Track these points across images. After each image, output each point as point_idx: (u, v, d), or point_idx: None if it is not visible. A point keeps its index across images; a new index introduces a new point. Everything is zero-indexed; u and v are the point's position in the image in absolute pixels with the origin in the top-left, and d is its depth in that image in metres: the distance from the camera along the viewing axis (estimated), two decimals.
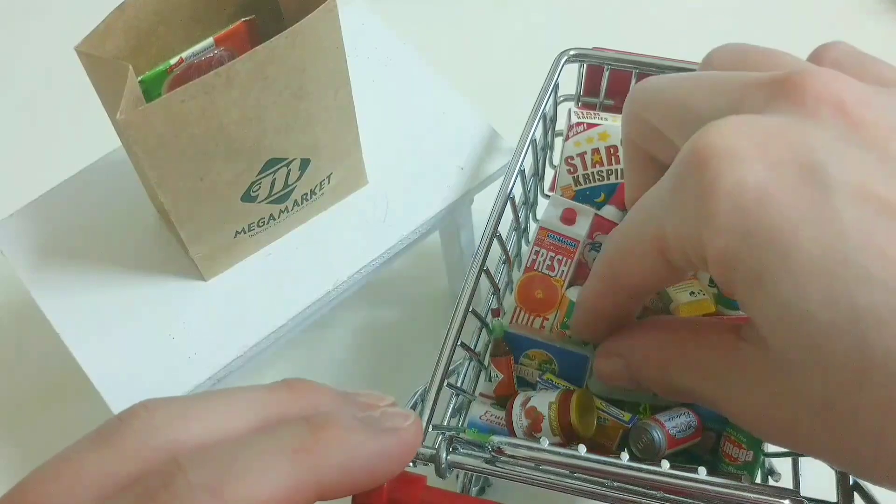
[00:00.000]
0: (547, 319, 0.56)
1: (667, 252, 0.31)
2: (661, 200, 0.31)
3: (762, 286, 0.26)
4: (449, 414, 0.55)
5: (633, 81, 0.66)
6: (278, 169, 0.65)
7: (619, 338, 0.39)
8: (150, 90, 0.60)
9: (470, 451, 0.44)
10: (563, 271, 0.56)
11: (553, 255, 0.56)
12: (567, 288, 0.58)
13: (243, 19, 0.63)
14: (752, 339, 0.30)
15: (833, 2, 1.14)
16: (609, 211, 0.62)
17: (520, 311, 0.57)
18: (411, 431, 0.23)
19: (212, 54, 0.62)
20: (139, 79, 0.59)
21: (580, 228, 0.57)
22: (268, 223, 0.70)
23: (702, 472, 0.39)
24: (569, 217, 0.57)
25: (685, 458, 0.51)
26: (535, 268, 0.57)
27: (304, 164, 0.67)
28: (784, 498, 0.38)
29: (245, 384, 0.87)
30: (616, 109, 0.69)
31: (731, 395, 0.32)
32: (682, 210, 0.29)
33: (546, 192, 0.73)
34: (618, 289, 0.37)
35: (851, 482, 0.40)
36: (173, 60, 0.60)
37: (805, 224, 0.25)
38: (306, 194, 0.71)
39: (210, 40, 0.62)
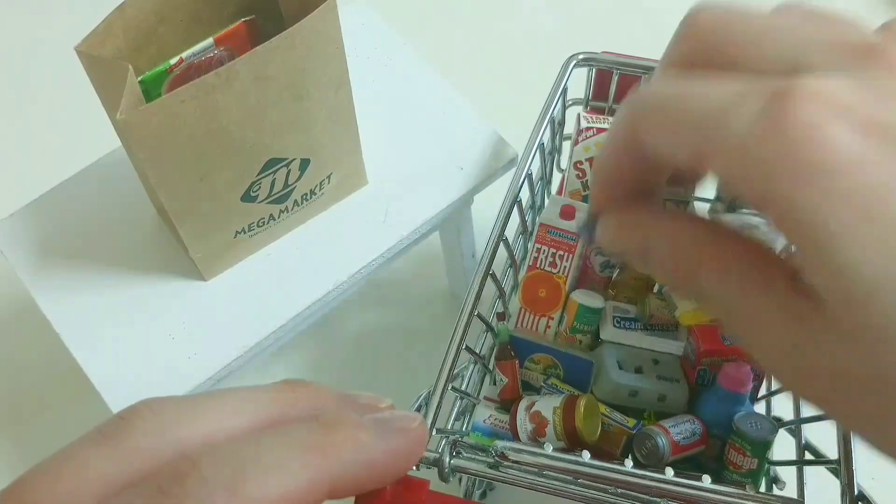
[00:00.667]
0: (552, 319, 0.56)
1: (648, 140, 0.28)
2: (707, 100, 0.27)
3: (838, 247, 0.25)
4: (453, 417, 0.55)
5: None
6: (278, 169, 0.65)
7: (649, 213, 0.33)
8: (150, 90, 0.60)
9: (473, 456, 0.43)
10: (565, 267, 0.56)
11: (554, 251, 0.56)
12: (572, 291, 0.58)
13: (243, 19, 0.63)
14: (806, 293, 0.27)
15: (835, 2, 1.14)
16: None
17: (525, 313, 0.57)
18: (419, 433, 0.23)
19: (212, 54, 0.62)
20: (139, 79, 0.58)
21: (580, 223, 0.57)
22: (268, 223, 0.70)
23: (706, 480, 0.38)
24: (567, 212, 0.57)
25: (689, 465, 0.51)
26: (538, 266, 0.57)
27: (304, 164, 0.67)
28: None
29: (245, 384, 0.86)
30: None
31: (763, 332, 0.28)
32: (742, 136, 0.25)
33: (554, 196, 0.73)
34: (631, 144, 0.31)
35: (857, 492, 0.40)
36: (173, 60, 0.60)
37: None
38: (306, 194, 0.70)
39: (210, 40, 0.62)
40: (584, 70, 0.66)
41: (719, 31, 0.30)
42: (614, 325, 0.59)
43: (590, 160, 0.62)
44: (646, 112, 0.29)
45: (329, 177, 0.71)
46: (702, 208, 0.73)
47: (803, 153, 0.25)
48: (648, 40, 1.09)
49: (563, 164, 0.69)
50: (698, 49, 0.31)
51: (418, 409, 0.46)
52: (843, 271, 0.25)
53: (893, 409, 0.25)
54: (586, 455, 0.40)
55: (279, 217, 0.70)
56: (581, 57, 0.65)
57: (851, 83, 0.26)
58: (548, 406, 0.50)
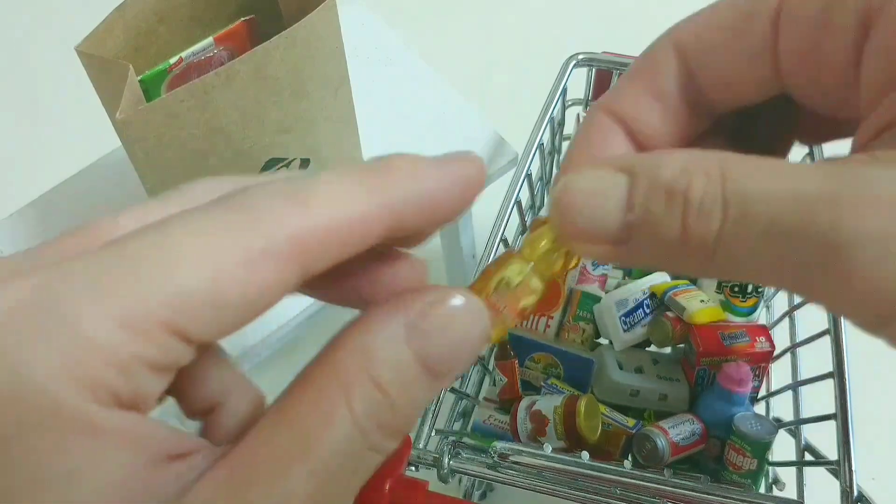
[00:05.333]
0: (552, 318, 0.56)
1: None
2: None
3: None
4: (453, 418, 0.55)
5: None
6: (278, 169, 0.65)
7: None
8: (150, 90, 0.60)
9: (473, 456, 0.43)
10: None
11: None
12: (570, 290, 0.58)
13: (243, 19, 0.63)
14: None
15: None
16: None
17: None
18: (477, 160, 0.21)
19: (211, 54, 0.62)
20: (139, 78, 0.58)
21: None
22: None
23: (705, 480, 0.38)
24: None
25: (689, 465, 0.51)
26: None
27: (304, 164, 0.67)
28: None
29: None
30: None
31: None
32: None
33: None
34: None
35: (856, 493, 0.40)
36: (173, 60, 0.60)
37: None
38: None
39: (210, 40, 0.61)
40: (584, 70, 0.66)
41: None
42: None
43: None
44: None
45: None
46: None
47: None
48: (648, 40, 1.09)
49: None
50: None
51: None
52: None
53: None
54: (585, 456, 0.40)
55: None
56: (581, 57, 0.65)
57: None
58: (548, 406, 0.50)
